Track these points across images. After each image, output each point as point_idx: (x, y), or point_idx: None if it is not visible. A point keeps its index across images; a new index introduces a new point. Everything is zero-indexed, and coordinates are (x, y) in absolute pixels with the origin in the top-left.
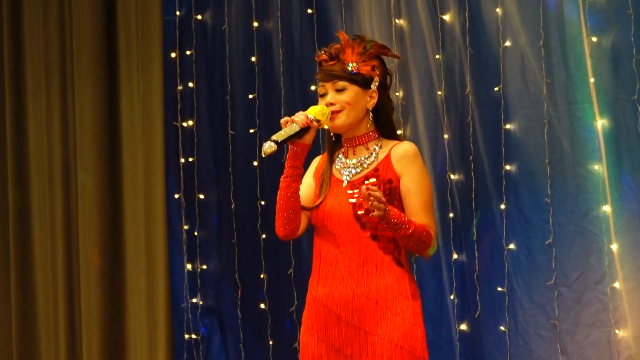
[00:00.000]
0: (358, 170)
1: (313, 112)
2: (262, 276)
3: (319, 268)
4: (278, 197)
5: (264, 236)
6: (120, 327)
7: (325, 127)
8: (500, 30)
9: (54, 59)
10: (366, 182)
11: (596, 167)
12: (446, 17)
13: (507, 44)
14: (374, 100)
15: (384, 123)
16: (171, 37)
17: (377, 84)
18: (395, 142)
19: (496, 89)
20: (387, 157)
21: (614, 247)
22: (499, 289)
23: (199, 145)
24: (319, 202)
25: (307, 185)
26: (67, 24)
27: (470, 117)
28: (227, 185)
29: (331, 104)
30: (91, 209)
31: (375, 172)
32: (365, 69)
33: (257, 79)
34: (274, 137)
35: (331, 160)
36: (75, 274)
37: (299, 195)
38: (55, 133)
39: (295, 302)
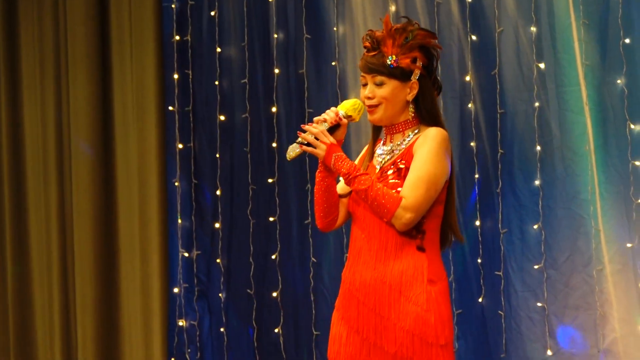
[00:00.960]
0: (390, 156)
1: (344, 107)
2: (250, 260)
3: (350, 253)
4: (314, 190)
5: (252, 221)
6: (115, 315)
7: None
8: (497, 15)
9: (48, 49)
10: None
11: (584, 150)
12: (442, 2)
13: (503, 28)
14: (414, 92)
15: (425, 112)
16: (170, 24)
17: (417, 75)
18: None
19: (492, 73)
20: (414, 141)
21: (601, 229)
22: (496, 272)
23: (195, 131)
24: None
25: None
26: (60, 14)
27: (472, 102)
28: (215, 170)
29: (369, 98)
30: (85, 200)
31: (401, 157)
32: (405, 62)
33: (248, 65)
34: (299, 139)
35: (373, 148)
36: (70, 263)
37: (334, 190)
38: (50, 123)
39: (280, 287)
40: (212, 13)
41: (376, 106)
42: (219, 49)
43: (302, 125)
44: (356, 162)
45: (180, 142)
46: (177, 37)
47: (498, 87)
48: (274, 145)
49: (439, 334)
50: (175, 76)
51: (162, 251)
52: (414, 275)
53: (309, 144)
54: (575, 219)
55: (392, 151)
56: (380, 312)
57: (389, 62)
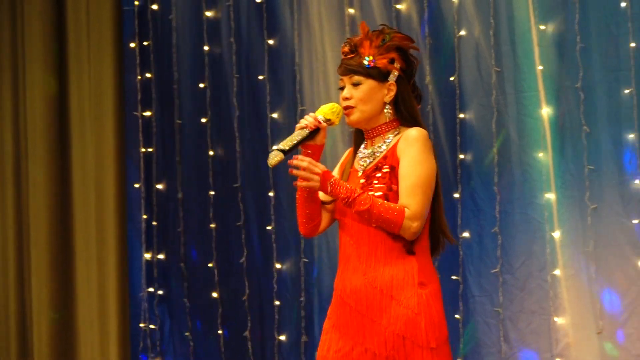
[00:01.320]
0: (371, 159)
1: (323, 111)
2: (210, 265)
3: (340, 260)
4: (297, 197)
5: (213, 225)
6: (71, 317)
7: (336, 125)
8: (456, 19)
9: (4, 52)
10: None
11: (541, 155)
12: (401, 7)
13: (462, 33)
14: (392, 93)
15: (405, 114)
16: (130, 28)
17: (395, 76)
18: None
19: (452, 78)
20: (396, 144)
21: (556, 234)
22: (453, 277)
23: (157, 136)
24: None
25: None
26: (18, 17)
27: (430, 106)
28: (174, 175)
29: (346, 99)
30: (42, 201)
31: (384, 160)
32: (382, 62)
33: (207, 69)
34: (280, 146)
35: (355, 152)
36: (26, 266)
37: (316, 196)
38: (7, 127)
39: (247, 291)
40: (170, 17)
41: (353, 108)
42: (175, 54)
43: (289, 162)
44: (337, 166)
45: (142, 146)
46: (138, 41)
47: (457, 92)
48: (235, 149)
49: (430, 337)
50: (138, 78)
51: (119, 254)
52: (404, 279)
53: (292, 152)
54: (532, 223)
55: (374, 154)
56: (372, 316)
57: (366, 62)
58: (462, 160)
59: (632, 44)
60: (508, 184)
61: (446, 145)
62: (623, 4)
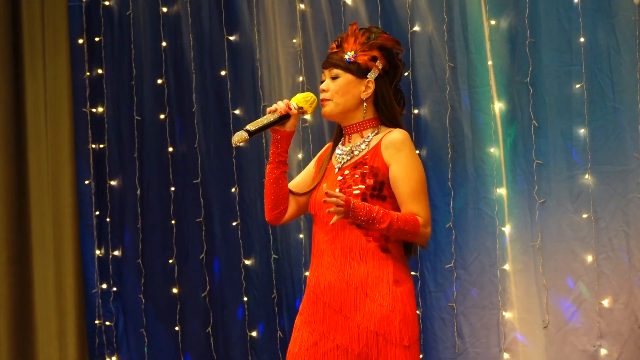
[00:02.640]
0: (349, 157)
1: (297, 99)
2: (170, 261)
3: (312, 255)
4: (265, 183)
5: (173, 222)
6: (28, 317)
7: (309, 114)
8: (409, 15)
9: None
10: (354, 190)
11: (492, 150)
12: (349, 2)
13: (416, 28)
14: (370, 91)
15: (384, 114)
16: (77, 24)
17: (375, 74)
18: (390, 130)
19: (406, 74)
20: (377, 145)
21: (506, 229)
22: (412, 273)
23: (109, 132)
24: (310, 188)
25: (306, 172)
26: None
27: None
28: (132, 171)
29: (323, 91)
30: None
31: (364, 160)
32: (363, 59)
33: (165, 65)
34: (247, 127)
35: (334, 148)
36: None
37: (284, 182)
38: None
39: (208, 287)
40: (128, 13)
41: (328, 100)
42: (133, 49)
43: (323, 200)
44: (314, 159)
45: (99, 142)
46: (86, 37)
47: (412, 87)
48: (195, 145)
49: (403, 335)
50: (87, 75)
51: (75, 251)
52: (379, 276)
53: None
54: (484, 218)
55: (352, 152)
56: (346, 313)
57: (347, 57)
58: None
59: (582, 39)
60: (461, 179)
61: None
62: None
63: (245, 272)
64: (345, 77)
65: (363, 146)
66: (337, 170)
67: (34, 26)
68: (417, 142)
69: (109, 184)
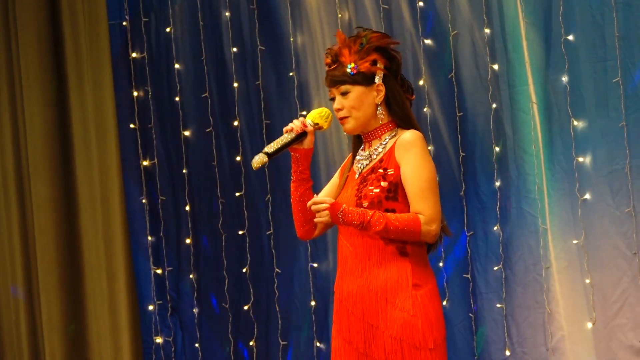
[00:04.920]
0: (368, 162)
1: (312, 116)
2: (223, 275)
3: (338, 264)
4: (291, 200)
5: (225, 235)
6: (83, 334)
7: (325, 129)
8: (450, 18)
9: (1, 71)
10: (372, 190)
11: (533, 148)
12: (387, 6)
13: (458, 30)
14: (382, 94)
15: (397, 113)
16: (119, 42)
17: (381, 76)
18: (405, 131)
19: (449, 76)
20: (392, 148)
21: (548, 227)
22: (464, 275)
23: (158, 148)
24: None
25: (331, 183)
26: (12, 34)
27: (427, 105)
28: (183, 185)
29: (339, 110)
30: (47, 218)
31: (380, 163)
32: (364, 66)
33: (208, 78)
34: (265, 149)
35: (354, 156)
36: (34, 284)
37: (310, 198)
38: (7, 145)
39: (252, 299)
40: (168, 29)
41: (347, 117)
42: (177, 65)
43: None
44: (338, 171)
45: (148, 158)
46: (134, 55)
47: (456, 89)
48: (238, 158)
49: (427, 338)
50: (135, 93)
51: (127, 269)
52: (398, 281)
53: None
54: (527, 217)
55: (370, 156)
56: (369, 320)
57: (349, 70)
58: (464, 157)
59: (617, 33)
60: (506, 179)
61: (449, 144)
62: None
63: (277, 281)
64: (355, 91)
65: (380, 149)
66: (357, 176)
67: (77, 46)
68: (463, 144)
69: (161, 199)
